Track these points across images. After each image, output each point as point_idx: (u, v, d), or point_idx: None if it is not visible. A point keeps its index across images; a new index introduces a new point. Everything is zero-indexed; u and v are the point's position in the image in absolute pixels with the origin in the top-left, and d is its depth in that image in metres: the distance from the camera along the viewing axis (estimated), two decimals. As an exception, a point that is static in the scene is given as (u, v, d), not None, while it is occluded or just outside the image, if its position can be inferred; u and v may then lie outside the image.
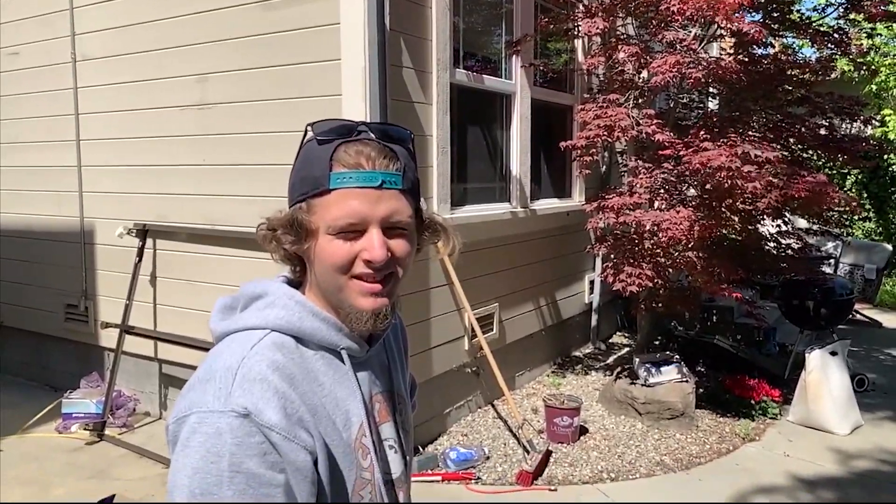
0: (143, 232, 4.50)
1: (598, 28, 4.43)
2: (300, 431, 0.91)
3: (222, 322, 1.04)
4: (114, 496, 2.81)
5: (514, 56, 4.92)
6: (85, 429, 4.40)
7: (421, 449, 4.05)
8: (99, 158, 4.76)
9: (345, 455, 0.99)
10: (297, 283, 1.09)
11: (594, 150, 4.71)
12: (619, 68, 4.76)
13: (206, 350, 4.31)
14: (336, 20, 3.66)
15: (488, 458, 4.05)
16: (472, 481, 3.80)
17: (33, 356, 5.43)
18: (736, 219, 4.54)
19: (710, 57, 4.53)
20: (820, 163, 8.35)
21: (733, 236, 5.05)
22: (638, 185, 4.41)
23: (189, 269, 4.40)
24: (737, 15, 4.00)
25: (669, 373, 4.60)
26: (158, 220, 4.48)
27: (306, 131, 1.02)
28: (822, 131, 5.30)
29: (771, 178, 4.02)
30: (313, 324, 1.00)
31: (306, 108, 3.79)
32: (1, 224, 5.43)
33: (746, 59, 4.75)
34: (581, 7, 4.87)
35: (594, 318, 6.25)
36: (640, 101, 4.64)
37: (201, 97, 4.20)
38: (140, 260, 4.48)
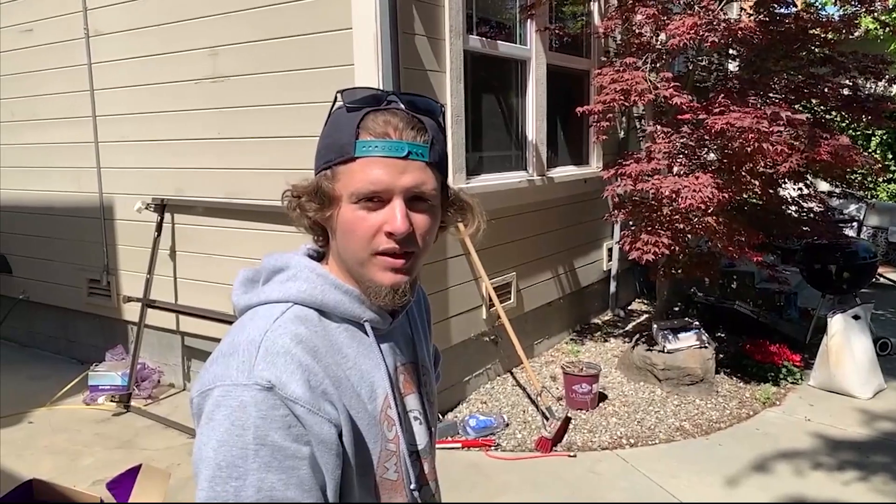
0: (162, 206, 4.53)
1: (615, -12, 4.33)
2: (324, 404, 0.91)
3: (244, 295, 1.04)
4: (140, 465, 2.87)
5: (528, 21, 4.84)
6: (111, 400, 4.50)
7: (441, 417, 4.09)
8: (115, 133, 4.79)
9: (370, 427, 0.99)
10: (319, 254, 1.08)
11: (611, 115, 4.64)
12: (637, 31, 4.66)
13: (228, 322, 4.37)
14: (347, -12, 3.61)
15: (508, 425, 4.08)
16: (492, 448, 3.84)
17: (60, 330, 5.53)
18: (757, 183, 4.46)
19: (730, 17, 4.42)
20: (843, 124, 8.18)
21: (754, 200, 4.98)
22: (656, 151, 4.34)
23: (208, 242, 4.43)
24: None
25: (689, 339, 4.58)
26: (176, 195, 4.51)
27: (336, 98, 1.01)
28: (846, 91, 5.17)
29: (792, 142, 3.94)
30: (336, 296, 1.00)
31: (319, 78, 3.76)
32: (24, 201, 5.49)
33: (767, 19, 4.63)
34: (597, -32, 4.77)
35: (612, 285, 6.23)
36: (657, 64, 4.55)
37: (214, 70, 4.19)
38: (159, 234, 4.52)
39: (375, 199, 0.95)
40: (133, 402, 4.47)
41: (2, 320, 5.66)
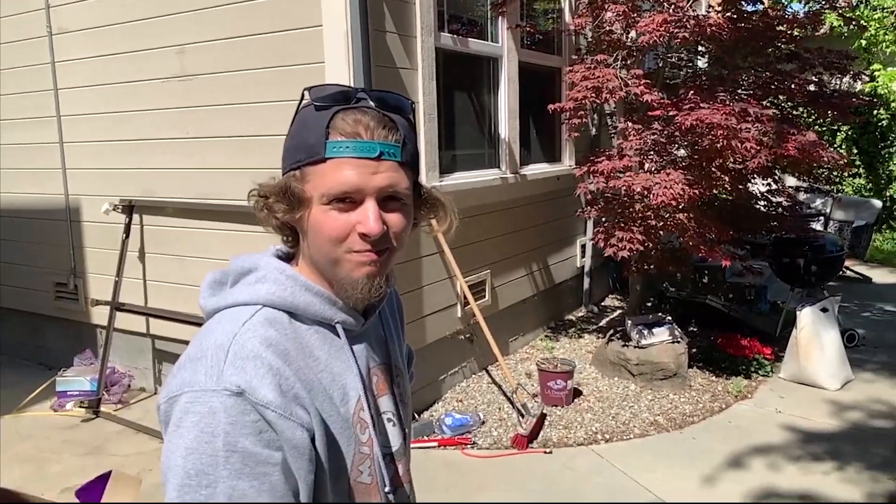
0: (130, 208, 4.45)
1: (584, -13, 4.35)
2: (296, 408, 0.89)
3: (212, 298, 1.01)
4: (111, 472, 2.81)
5: (499, 18, 4.84)
6: (80, 406, 4.41)
7: (416, 416, 4.08)
8: (81, 134, 4.69)
9: (342, 430, 0.97)
10: (288, 255, 1.06)
11: (583, 113, 4.66)
12: (607, 28, 4.69)
13: (199, 325, 4.31)
14: (316, -15, 3.57)
15: (483, 423, 4.08)
16: (468, 446, 3.83)
17: (27, 335, 5.41)
18: (727, 178, 4.52)
19: (699, 14, 4.46)
20: (810, 119, 8.33)
21: (724, 196, 5.04)
22: (627, 148, 4.37)
23: (178, 243, 4.36)
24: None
25: (661, 334, 4.62)
26: (145, 196, 4.43)
27: (303, 96, 0.97)
28: (812, 87, 5.26)
29: (761, 138, 3.99)
30: (306, 298, 0.98)
31: (289, 76, 3.72)
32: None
33: (735, 16, 4.68)
34: (567, -34, 4.78)
35: (586, 281, 6.26)
36: (628, 61, 4.58)
37: (182, 68, 4.13)
38: (127, 236, 4.44)
39: (347, 201, 0.93)
40: (103, 408, 4.38)
41: (-35, 326, 5.53)
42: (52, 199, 4.90)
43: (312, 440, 0.91)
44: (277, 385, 0.88)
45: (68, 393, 4.53)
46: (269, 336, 0.92)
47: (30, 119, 4.92)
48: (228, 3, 3.88)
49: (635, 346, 4.62)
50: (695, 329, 5.46)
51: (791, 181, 6.44)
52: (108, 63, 4.43)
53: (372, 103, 0.97)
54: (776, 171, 5.22)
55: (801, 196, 6.51)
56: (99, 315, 4.73)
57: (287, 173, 0.97)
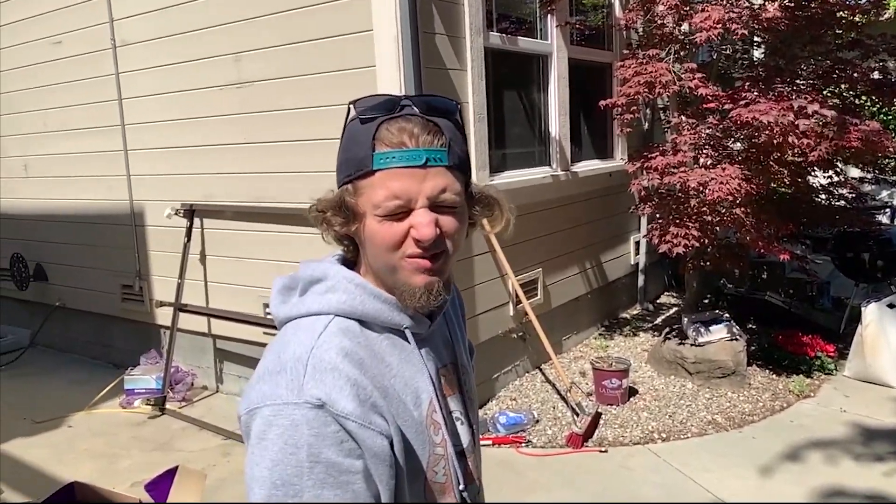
0: (191, 212, 4.60)
1: (635, -20, 4.28)
2: (375, 417, 0.92)
3: (283, 306, 1.03)
4: (177, 467, 2.92)
5: (548, 15, 4.82)
6: (147, 403, 4.58)
7: (470, 414, 4.10)
8: (144, 141, 4.87)
9: (418, 433, 0.99)
10: (351, 261, 1.08)
11: (635, 108, 4.60)
12: (659, 22, 4.61)
13: (258, 325, 4.40)
14: (367, -10, 3.63)
15: (538, 421, 4.07)
16: (523, 445, 3.84)
17: (96, 335, 5.65)
18: (785, 172, 4.40)
19: (754, 3, 4.35)
20: (874, 108, 8.00)
21: (783, 190, 4.90)
22: (682, 143, 4.30)
23: (236, 246, 4.49)
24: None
25: (719, 331, 4.53)
26: (204, 200, 4.57)
27: (349, 110, 1.00)
28: (876, 75, 5.06)
29: (821, 130, 3.87)
30: (375, 306, 1.00)
31: (340, 80, 3.79)
32: (58, 209, 5.61)
33: (792, 4, 4.54)
34: (617, -40, 4.72)
35: (641, 278, 6.18)
36: (681, 53, 4.50)
37: (238, 76, 4.24)
38: (189, 239, 4.59)
39: (399, 211, 0.95)
40: (168, 405, 4.54)
41: (40, 327, 5.81)
42: (118, 204, 5.10)
43: (391, 446, 0.93)
44: (356, 395, 0.91)
45: (136, 391, 4.72)
46: (344, 346, 0.95)
47: (96, 128, 5.13)
48: (281, 10, 3.97)
49: (692, 344, 4.54)
50: (753, 326, 5.33)
51: (855, 172, 6.21)
52: (168, 72, 4.58)
53: (416, 109, 0.98)
54: (838, 163, 5.05)
55: (866, 188, 6.27)
56: (163, 316, 4.91)
57: (341, 187, 1.00)
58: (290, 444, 0.87)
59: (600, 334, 5.58)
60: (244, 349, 4.52)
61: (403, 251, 0.96)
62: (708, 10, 4.02)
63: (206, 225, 4.64)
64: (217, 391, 4.86)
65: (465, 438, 1.12)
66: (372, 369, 0.96)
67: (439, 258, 0.98)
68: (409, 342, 1.03)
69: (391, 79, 3.59)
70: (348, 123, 1.00)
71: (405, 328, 1.02)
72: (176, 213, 4.62)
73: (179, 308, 4.62)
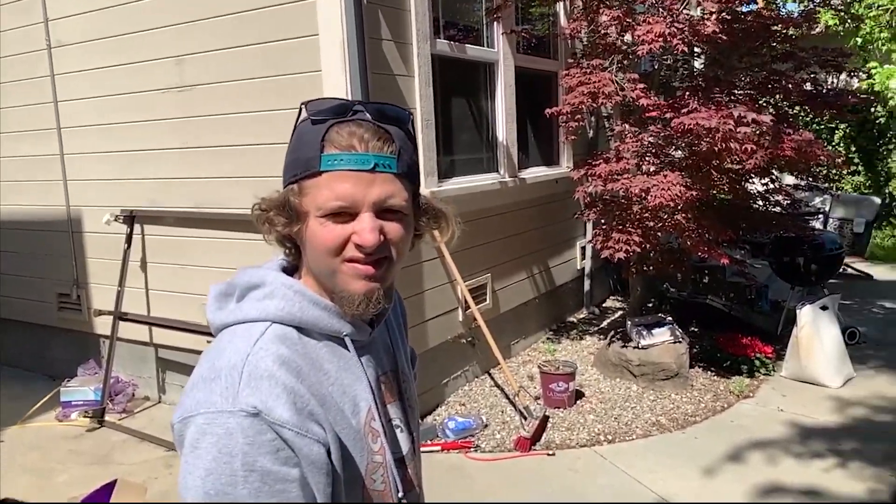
0: (131, 218, 4.48)
1: (578, -9, 4.37)
2: (311, 425, 0.91)
3: (219, 312, 1.01)
4: (116, 480, 2.84)
5: (495, 23, 4.87)
6: (85, 416, 4.43)
7: (420, 420, 4.09)
8: (81, 146, 4.72)
9: (355, 441, 0.98)
10: (291, 267, 1.06)
11: (580, 116, 4.69)
12: (602, 32, 4.72)
13: (201, 333, 4.29)
14: (313, -6, 3.60)
15: (486, 426, 4.09)
16: (472, 450, 3.85)
17: (32, 346, 5.43)
18: (724, 179, 4.54)
19: (693, 16, 4.49)
20: (808, 118, 8.34)
21: (722, 196, 5.05)
22: (625, 150, 4.40)
23: (179, 253, 4.39)
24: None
25: (662, 334, 4.64)
26: (146, 206, 4.46)
27: (301, 110, 0.99)
28: (808, 86, 5.28)
29: (758, 138, 4.01)
30: (314, 313, 0.99)
31: (286, 85, 3.75)
32: (-12, 216, 5.39)
33: (730, 17, 4.70)
34: (561, -30, 4.81)
35: (587, 283, 6.28)
36: (624, 63, 4.61)
37: (180, 79, 4.15)
38: (129, 246, 4.46)
39: (343, 214, 0.94)
40: (107, 417, 4.40)
41: (-31, 339, 5.55)
42: (54, 210, 4.93)
43: (328, 454, 0.92)
44: (292, 403, 0.89)
45: (72, 403, 4.56)
46: (281, 354, 0.93)
47: (31, 131, 4.95)
48: (225, 13, 3.91)
49: (636, 347, 4.64)
50: (696, 329, 5.47)
51: (790, 180, 6.46)
52: (107, 74, 4.46)
53: (368, 115, 0.97)
54: (774, 171, 5.24)
55: (800, 194, 6.52)
56: (102, 325, 4.76)
57: (286, 187, 0.99)
58: (225, 453, 0.85)
59: (548, 338, 5.64)
60: (187, 358, 4.41)
61: (344, 255, 0.95)
62: (650, 24, 4.12)
63: (147, 231, 4.52)
64: (159, 401, 4.73)
65: (405, 446, 1.11)
66: (309, 377, 0.94)
67: (382, 264, 0.97)
68: (348, 350, 1.02)
69: (338, 84, 3.57)
70: (298, 124, 1.00)
71: (345, 335, 1.01)
72: (115, 220, 4.48)
73: (119, 317, 4.49)
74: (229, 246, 4.10)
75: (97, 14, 4.43)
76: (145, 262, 4.57)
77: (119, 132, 4.50)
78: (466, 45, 4.65)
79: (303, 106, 0.99)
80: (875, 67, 8.60)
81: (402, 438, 1.11)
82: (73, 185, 4.83)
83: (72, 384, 4.65)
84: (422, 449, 3.77)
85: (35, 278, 5.21)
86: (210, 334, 1.02)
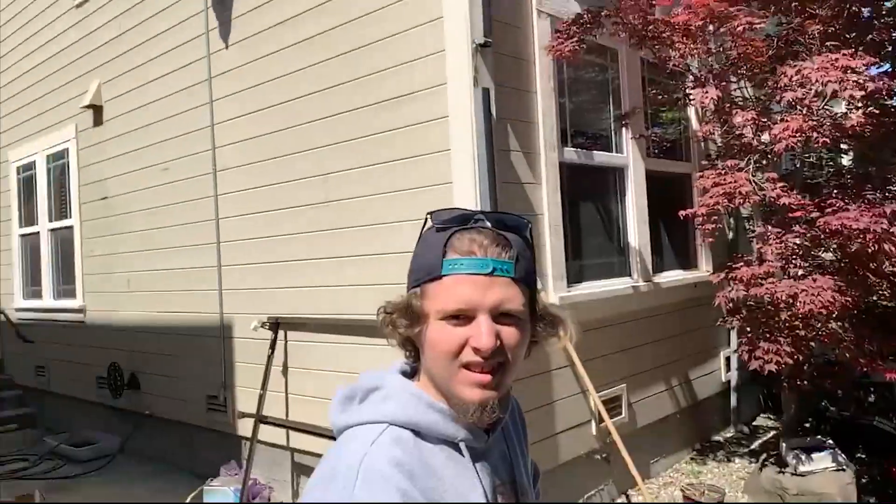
0: (276, 324, 4.74)
1: (710, 97, 4.29)
2: None
3: (342, 415, 1.06)
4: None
5: (623, 129, 4.88)
6: (224, 517, 4.56)
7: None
8: (234, 258, 5.13)
9: None
10: (411, 370, 1.09)
11: (716, 218, 4.50)
12: (737, 132, 4.58)
13: (333, 439, 4.37)
14: (445, 114, 3.81)
15: (623, 552, 3.78)
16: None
17: (181, 445, 5.76)
18: (884, 283, 4.13)
19: (837, 112, 4.27)
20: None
21: (884, 303, 4.58)
22: (768, 252, 4.14)
23: (317, 358, 4.55)
24: (858, 79, 3.74)
25: (823, 460, 4.14)
26: (289, 312, 4.71)
27: (426, 220, 1.05)
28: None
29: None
30: (429, 416, 1.00)
31: (421, 196, 3.91)
32: (153, 321, 5.91)
33: (878, 111, 4.43)
34: (690, 76, 4.79)
35: (734, 397, 5.81)
36: (762, 163, 4.42)
37: (326, 195, 4.45)
38: (273, 351, 4.70)
39: (462, 317, 0.96)
40: (244, 519, 4.51)
41: (129, 435, 5.98)
42: (209, 317, 5.33)
43: None
44: None
45: (214, 504, 4.72)
46: (395, 456, 0.94)
47: (194, 246, 5.46)
48: (366, 134, 4.19)
49: (793, 474, 4.16)
50: (862, 455, 4.84)
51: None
52: (259, 194, 4.88)
53: (488, 224, 1.01)
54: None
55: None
56: (244, 427, 4.97)
57: (410, 291, 1.03)
58: None
59: (692, 458, 5.21)
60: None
61: (461, 360, 0.96)
62: (787, 121, 3.96)
63: (290, 337, 4.75)
64: (292, 506, 4.79)
65: None
66: (423, 481, 0.94)
67: (497, 370, 0.97)
68: (463, 455, 1.00)
69: (467, 193, 3.68)
70: (424, 232, 1.05)
71: (459, 440, 1.00)
72: (262, 326, 4.77)
73: (260, 419, 4.67)
74: (365, 350, 4.21)
75: (252, 141, 4.90)
76: (286, 366, 4.78)
77: (266, 245, 4.86)
78: (594, 152, 4.67)
79: (429, 215, 1.05)
80: None
81: None
82: (226, 294, 5.22)
83: (214, 483, 4.84)
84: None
85: (187, 380, 5.59)
86: None
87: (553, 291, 3.99)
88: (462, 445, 1.00)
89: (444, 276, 0.97)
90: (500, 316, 0.97)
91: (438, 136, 3.84)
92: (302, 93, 4.57)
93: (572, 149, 4.45)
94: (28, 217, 7.71)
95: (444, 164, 3.82)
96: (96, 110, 6.45)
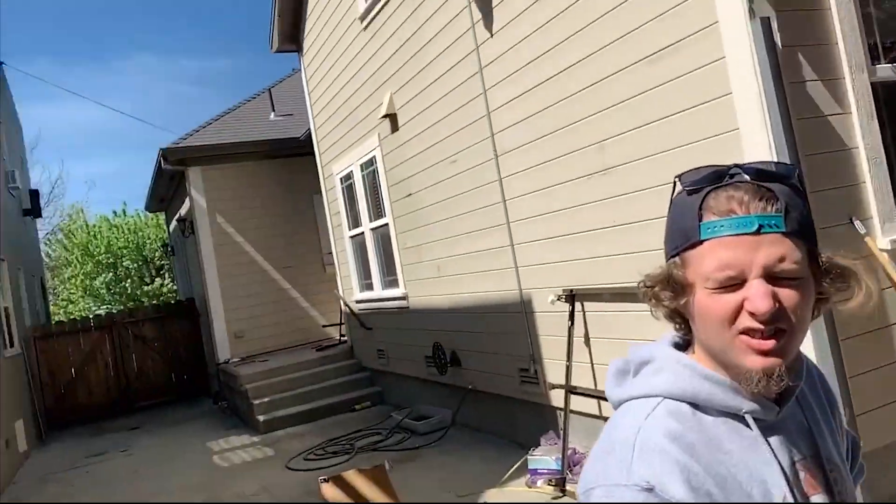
0: (571, 296, 4.82)
1: None
2: None
3: (616, 389, 1.05)
4: None
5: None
6: (549, 484, 4.80)
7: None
8: (525, 235, 5.32)
9: None
10: (683, 342, 1.05)
11: None
12: None
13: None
14: (721, 55, 3.49)
15: None
16: None
17: (501, 416, 6.19)
18: None
19: None
20: None
21: None
22: None
23: (617, 327, 4.53)
24: None
25: None
26: (582, 284, 4.76)
27: (674, 184, 0.99)
28: None
29: None
30: (707, 388, 0.95)
31: (702, 151, 3.65)
32: (461, 302, 6.43)
33: None
34: None
35: None
36: None
37: (602, 162, 4.39)
38: (572, 323, 4.80)
39: (731, 283, 0.89)
40: (568, 487, 4.69)
41: (458, 408, 6.60)
42: (509, 294, 5.63)
43: None
44: (686, 480, 0.87)
45: (538, 471, 4.98)
46: (671, 429, 0.92)
47: (487, 229, 5.80)
48: (637, 93, 4.03)
49: None
50: None
51: None
52: (539, 171, 4.98)
53: (746, 177, 0.93)
54: None
55: None
56: (556, 397, 5.16)
57: (668, 261, 0.99)
58: None
59: None
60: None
61: (737, 326, 0.90)
62: None
63: (587, 308, 4.80)
64: (612, 475, 4.85)
65: None
66: (705, 455, 0.90)
67: (780, 336, 0.89)
68: (750, 429, 0.94)
69: (758, 138, 3.33)
70: (674, 197, 1.00)
71: (744, 412, 0.94)
72: (559, 299, 4.89)
73: (570, 390, 4.81)
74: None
75: (530, 120, 5.02)
76: (588, 337, 4.84)
77: (552, 219, 4.95)
78: (921, 61, 3.87)
79: (676, 179, 0.98)
80: None
81: None
82: (522, 271, 5.46)
83: (537, 452, 5.10)
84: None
85: (500, 355, 5.97)
86: None
87: (881, 235, 3.42)
88: (749, 418, 0.93)
89: (704, 240, 0.91)
90: (775, 277, 0.87)
91: (716, 80, 3.53)
92: (568, 63, 4.55)
93: (887, 65, 3.74)
94: (354, 220, 8.89)
95: (725, 111, 3.50)
96: (392, 118, 7.17)
